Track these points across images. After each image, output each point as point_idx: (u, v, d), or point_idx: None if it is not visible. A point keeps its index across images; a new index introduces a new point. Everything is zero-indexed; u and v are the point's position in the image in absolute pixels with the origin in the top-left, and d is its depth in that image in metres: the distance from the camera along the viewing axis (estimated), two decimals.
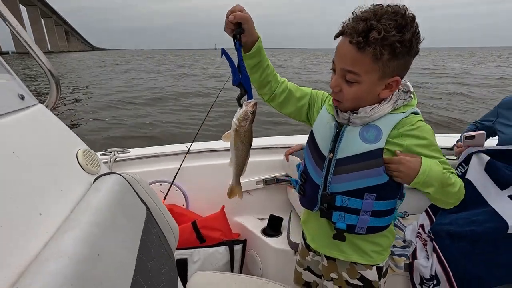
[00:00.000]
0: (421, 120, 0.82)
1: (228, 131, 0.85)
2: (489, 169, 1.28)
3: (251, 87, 0.86)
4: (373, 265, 0.92)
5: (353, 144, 0.82)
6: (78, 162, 0.71)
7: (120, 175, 0.74)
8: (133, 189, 0.75)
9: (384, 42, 0.68)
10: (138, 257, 0.57)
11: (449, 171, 0.80)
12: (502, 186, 1.24)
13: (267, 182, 1.82)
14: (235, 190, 0.94)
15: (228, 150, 1.81)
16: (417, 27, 0.73)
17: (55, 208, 0.53)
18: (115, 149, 1.78)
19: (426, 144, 0.80)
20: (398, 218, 1.57)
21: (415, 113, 0.82)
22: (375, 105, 0.80)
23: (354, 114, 0.81)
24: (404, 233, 1.48)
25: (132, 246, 0.58)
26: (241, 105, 0.82)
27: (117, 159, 1.71)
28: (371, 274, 0.92)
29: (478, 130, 1.46)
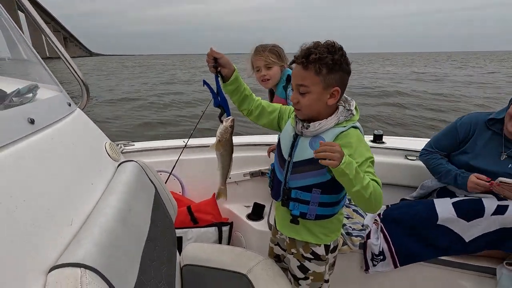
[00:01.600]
0: (356, 129, 1.01)
1: (214, 142, 1.09)
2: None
3: (228, 107, 1.12)
4: (321, 244, 1.15)
5: (304, 151, 1.03)
6: (107, 152, 0.99)
7: (136, 162, 1.02)
8: (145, 172, 1.04)
9: (321, 61, 0.92)
10: (152, 217, 0.85)
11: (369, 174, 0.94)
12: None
13: (253, 174, 2.10)
14: (221, 193, 1.21)
15: None
16: (345, 53, 0.96)
17: (98, 181, 0.81)
18: (122, 142, 2.04)
19: (353, 148, 0.96)
20: None
21: (354, 127, 1.01)
22: (322, 121, 1.00)
23: (305, 129, 1.02)
24: (364, 219, 1.78)
25: (148, 209, 0.86)
26: (221, 122, 1.08)
27: (123, 151, 1.98)
28: (320, 250, 1.16)
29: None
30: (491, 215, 1.33)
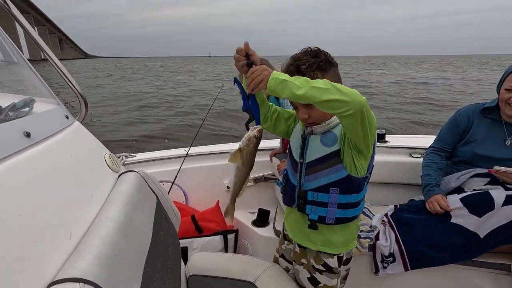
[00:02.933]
0: None
1: (234, 152, 0.94)
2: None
3: (259, 114, 0.98)
4: (334, 255, 1.09)
5: (316, 149, 1.00)
6: (107, 163, 0.98)
7: (137, 172, 1.00)
8: (146, 182, 1.02)
9: (312, 68, 0.92)
10: (154, 227, 0.83)
11: None
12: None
13: (256, 180, 2.08)
14: (228, 211, 1.07)
15: (220, 152, 2.10)
16: (325, 51, 0.97)
17: (98, 192, 0.80)
18: (123, 154, 2.04)
19: None
20: (368, 207, 1.84)
21: None
22: (329, 119, 0.99)
23: (315, 129, 1.00)
24: (372, 220, 1.75)
25: (150, 219, 0.84)
26: (248, 129, 0.93)
27: (125, 162, 1.97)
28: (332, 262, 1.09)
29: None
30: (501, 206, 1.30)
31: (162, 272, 0.77)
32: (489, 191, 1.36)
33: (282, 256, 1.29)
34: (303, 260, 1.16)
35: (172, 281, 0.82)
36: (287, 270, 1.29)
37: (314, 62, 0.92)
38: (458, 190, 1.54)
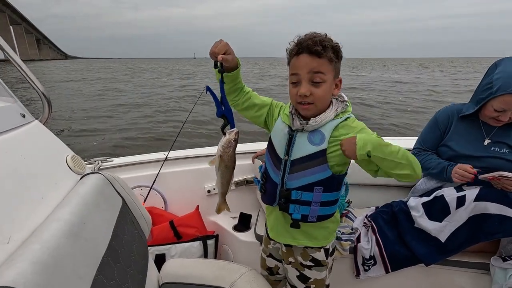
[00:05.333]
0: (355, 121, 0.98)
1: (214, 157, 0.96)
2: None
3: (233, 117, 0.99)
4: (321, 247, 1.09)
5: (303, 147, 0.97)
6: (67, 164, 0.92)
7: (101, 174, 0.95)
8: (112, 184, 0.96)
9: (333, 49, 0.89)
10: (114, 230, 0.78)
11: None
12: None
13: (238, 184, 2.03)
14: (222, 207, 1.09)
15: (200, 156, 2.06)
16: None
17: (52, 194, 0.74)
18: (99, 158, 1.96)
19: (359, 130, 0.94)
20: (350, 210, 1.82)
21: (350, 117, 0.99)
22: (321, 115, 0.96)
23: (306, 124, 0.96)
24: (353, 222, 1.73)
25: (110, 222, 0.78)
26: (224, 134, 0.94)
27: (101, 167, 1.89)
28: (320, 255, 1.10)
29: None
30: (456, 209, 1.31)
31: (119, 280, 0.71)
32: (443, 195, 1.37)
33: (270, 255, 1.26)
34: (290, 259, 1.15)
35: None
36: (276, 269, 1.27)
37: (335, 46, 0.91)
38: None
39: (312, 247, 1.09)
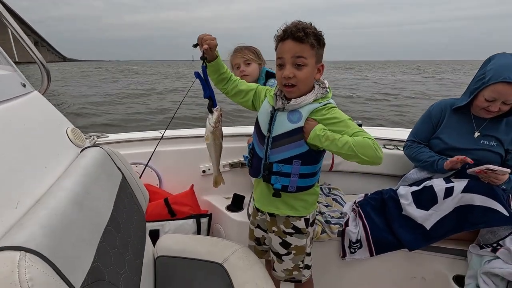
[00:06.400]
0: (334, 107, 1.07)
1: (207, 134, 1.13)
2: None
3: (215, 98, 1.18)
4: (301, 217, 1.19)
5: (283, 124, 1.07)
6: (68, 137, 0.93)
7: (101, 147, 0.96)
8: (111, 159, 0.98)
9: (316, 37, 0.98)
10: (115, 203, 0.80)
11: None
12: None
13: (233, 165, 2.07)
14: (218, 179, 1.25)
15: (196, 136, 2.10)
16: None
17: (55, 165, 0.75)
18: (95, 133, 1.96)
19: (335, 122, 1.03)
20: (340, 195, 1.89)
21: (331, 103, 1.07)
22: (301, 97, 1.05)
23: (287, 104, 1.06)
24: (343, 207, 1.79)
25: (111, 195, 0.81)
26: (211, 112, 1.11)
27: (96, 142, 1.89)
28: (300, 224, 1.20)
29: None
30: (443, 199, 1.38)
31: (121, 249, 0.74)
32: (432, 185, 1.44)
33: (258, 226, 1.35)
34: (273, 228, 1.24)
35: (133, 257, 0.80)
36: (263, 239, 1.36)
37: (318, 33, 0.99)
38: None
39: (293, 216, 1.19)
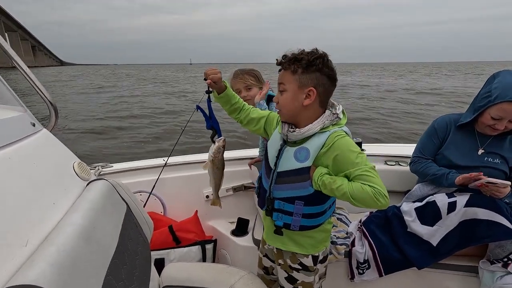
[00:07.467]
0: (341, 136, 0.98)
1: (206, 162, 1.18)
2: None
3: (220, 128, 1.22)
4: (309, 254, 1.13)
5: (289, 161, 1.03)
6: (75, 171, 0.96)
7: (106, 180, 0.99)
8: (116, 190, 1.01)
9: (297, 62, 0.96)
10: (121, 235, 0.82)
11: (365, 173, 0.94)
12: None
13: (236, 189, 2.08)
14: (215, 202, 1.29)
15: (199, 162, 2.14)
16: (327, 59, 0.97)
17: (63, 200, 0.78)
18: (100, 164, 1.99)
19: (337, 157, 0.97)
20: (345, 214, 1.87)
21: (339, 132, 0.99)
22: (307, 126, 0.99)
23: (291, 133, 1.01)
24: (348, 227, 1.78)
25: (117, 227, 0.83)
26: (214, 142, 1.15)
27: (101, 173, 1.92)
28: (308, 261, 1.13)
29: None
30: (447, 214, 1.37)
31: (127, 281, 0.75)
32: (435, 200, 1.43)
33: (266, 255, 1.31)
34: (280, 261, 1.20)
35: None
36: (271, 269, 1.32)
37: (301, 59, 0.97)
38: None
39: (300, 253, 1.13)
